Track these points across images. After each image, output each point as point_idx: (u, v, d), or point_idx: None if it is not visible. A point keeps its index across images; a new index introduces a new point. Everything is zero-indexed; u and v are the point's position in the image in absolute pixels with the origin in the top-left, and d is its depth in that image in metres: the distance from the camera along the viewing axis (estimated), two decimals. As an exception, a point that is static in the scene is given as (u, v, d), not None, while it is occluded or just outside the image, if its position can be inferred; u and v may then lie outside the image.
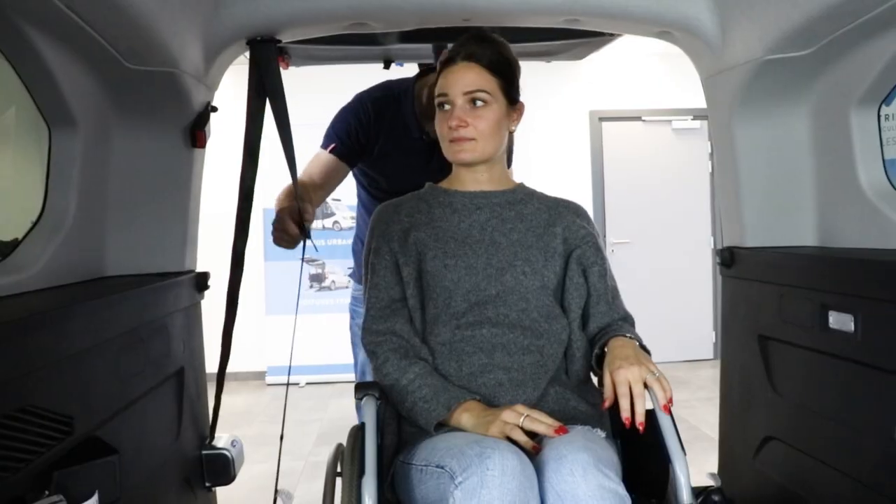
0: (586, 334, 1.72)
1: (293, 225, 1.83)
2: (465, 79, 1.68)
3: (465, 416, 1.53)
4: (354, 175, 2.42)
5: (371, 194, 2.39)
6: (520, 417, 1.45)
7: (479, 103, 1.68)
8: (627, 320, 1.75)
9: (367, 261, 1.79)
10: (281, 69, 2.06)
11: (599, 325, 1.72)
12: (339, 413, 5.21)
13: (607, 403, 1.50)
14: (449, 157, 1.74)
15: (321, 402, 5.50)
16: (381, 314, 1.71)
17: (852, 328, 1.71)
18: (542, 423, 1.44)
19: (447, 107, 1.69)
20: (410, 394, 1.58)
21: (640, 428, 1.44)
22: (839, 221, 2.04)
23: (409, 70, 2.64)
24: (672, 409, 1.50)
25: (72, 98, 1.70)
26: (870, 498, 1.68)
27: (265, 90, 1.93)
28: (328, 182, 2.22)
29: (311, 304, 6.15)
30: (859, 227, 1.95)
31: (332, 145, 2.21)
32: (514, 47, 1.79)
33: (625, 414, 1.45)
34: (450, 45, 1.79)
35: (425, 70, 2.31)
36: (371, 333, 1.71)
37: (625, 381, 1.47)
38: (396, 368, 1.62)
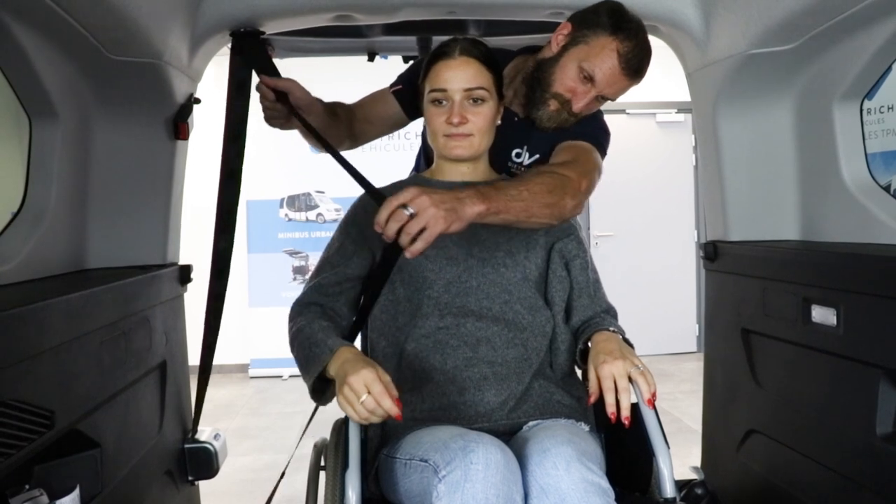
0: (570, 327, 1.72)
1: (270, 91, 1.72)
2: (466, 74, 1.64)
3: (338, 363, 1.50)
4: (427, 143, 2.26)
5: None
6: (363, 394, 1.36)
7: (478, 100, 1.64)
8: (610, 313, 1.75)
9: (335, 240, 1.77)
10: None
11: (582, 318, 1.72)
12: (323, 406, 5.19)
13: (592, 398, 1.50)
14: (442, 152, 1.70)
15: (305, 395, 5.45)
16: (328, 292, 1.76)
17: (834, 322, 1.72)
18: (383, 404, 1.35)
19: (445, 102, 1.65)
20: (309, 335, 1.62)
21: (626, 422, 1.44)
22: (822, 215, 2.05)
23: (394, 62, 2.63)
24: (656, 402, 1.50)
25: (53, 89, 1.68)
26: (851, 490, 1.70)
27: (244, 82, 1.90)
28: (373, 118, 2.02)
29: (294, 297, 6.08)
30: (842, 221, 1.97)
31: (398, 87, 1.99)
32: (498, 41, 1.78)
33: (610, 409, 1.45)
34: (434, 38, 1.76)
35: (527, 49, 2.06)
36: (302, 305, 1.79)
37: (610, 376, 1.47)
38: (309, 320, 1.68)
